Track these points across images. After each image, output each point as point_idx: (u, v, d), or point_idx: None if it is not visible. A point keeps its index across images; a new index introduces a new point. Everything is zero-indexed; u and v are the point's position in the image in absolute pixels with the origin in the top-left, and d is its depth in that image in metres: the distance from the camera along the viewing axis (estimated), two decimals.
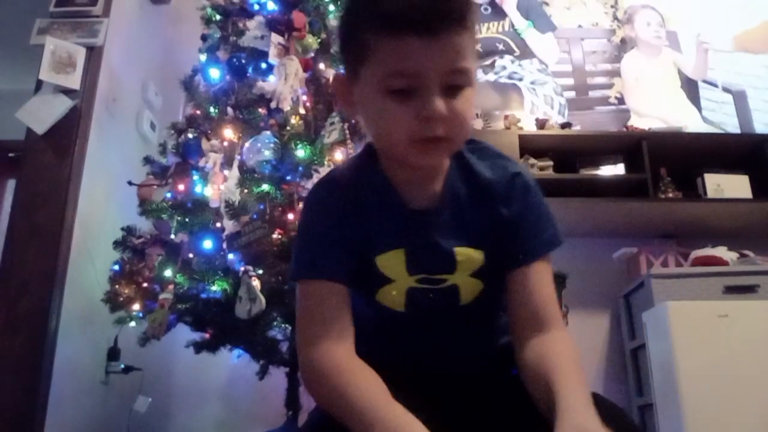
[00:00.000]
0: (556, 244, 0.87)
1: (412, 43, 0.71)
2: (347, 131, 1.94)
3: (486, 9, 3.47)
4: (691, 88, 3.35)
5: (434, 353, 0.86)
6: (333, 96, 0.90)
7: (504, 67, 3.41)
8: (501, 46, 3.46)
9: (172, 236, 1.97)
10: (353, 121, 1.97)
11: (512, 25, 3.53)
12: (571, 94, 3.34)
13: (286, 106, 1.98)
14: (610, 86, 3.37)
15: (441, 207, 0.84)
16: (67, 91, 2.17)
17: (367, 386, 0.72)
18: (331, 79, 0.76)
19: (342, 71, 0.85)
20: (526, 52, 3.44)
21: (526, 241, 0.84)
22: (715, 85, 3.34)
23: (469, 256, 0.84)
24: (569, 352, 0.77)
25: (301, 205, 1.85)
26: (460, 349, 0.87)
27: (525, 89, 3.31)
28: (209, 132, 2.07)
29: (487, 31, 3.45)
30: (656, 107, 3.30)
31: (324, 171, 1.86)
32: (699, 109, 3.31)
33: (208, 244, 1.89)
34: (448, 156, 0.84)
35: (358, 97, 0.80)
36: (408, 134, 0.75)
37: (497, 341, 0.90)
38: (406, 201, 0.84)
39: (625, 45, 3.47)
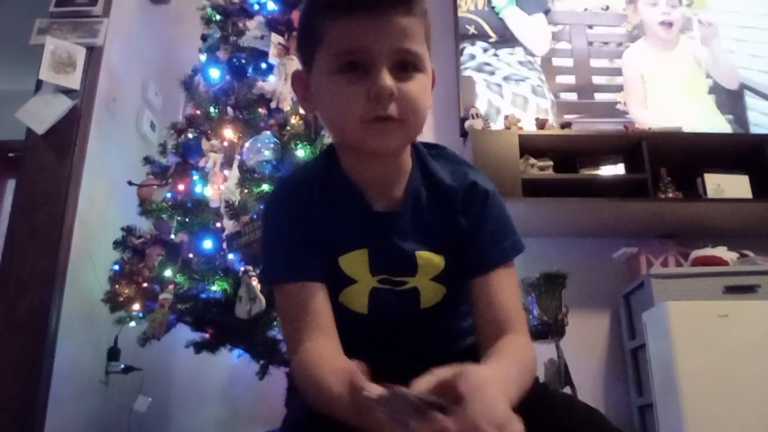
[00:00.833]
0: (517, 252, 0.87)
1: (360, 22, 0.75)
2: None
3: None
4: (728, 95, 2.94)
5: (397, 354, 0.85)
6: (294, 90, 0.91)
7: (473, 57, 2.92)
8: (472, 29, 2.95)
9: (172, 236, 1.97)
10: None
11: (489, 2, 3.01)
12: (572, 96, 2.94)
13: (286, 106, 1.98)
14: (620, 89, 2.99)
15: (403, 210, 0.85)
16: (67, 91, 2.17)
17: (338, 376, 0.70)
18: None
19: (298, 69, 0.87)
20: (506, 38, 2.96)
21: (485, 250, 0.85)
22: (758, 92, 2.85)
23: (429, 260, 0.85)
24: (519, 353, 0.78)
25: None
26: (422, 350, 0.87)
27: (485, 85, 2.87)
28: (209, 132, 2.07)
29: (459, 10, 2.98)
30: (666, 115, 2.89)
31: None
32: (744, 121, 2.92)
33: (208, 244, 1.90)
34: (402, 142, 0.83)
35: (314, 87, 0.82)
36: (360, 114, 0.76)
37: (461, 343, 0.90)
38: (368, 202, 0.85)
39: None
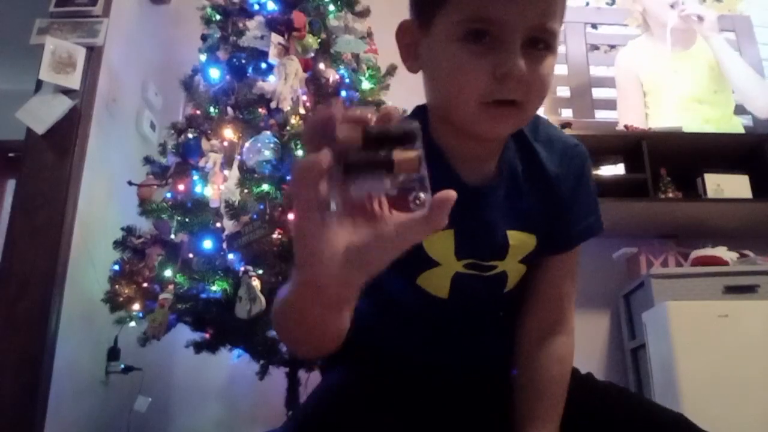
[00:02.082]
0: (600, 229, 0.82)
1: None
2: None
3: None
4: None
5: (466, 345, 0.82)
6: (397, 40, 0.78)
7: None
8: None
9: (172, 236, 1.97)
10: None
11: None
12: (567, 113, 2.66)
13: (286, 106, 1.98)
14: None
15: (496, 185, 0.77)
16: (67, 91, 2.16)
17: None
18: (397, 28, 0.68)
19: (408, 20, 0.76)
20: None
21: (574, 225, 0.80)
22: None
23: (522, 240, 0.79)
24: (562, 372, 0.77)
25: None
26: (497, 342, 0.83)
27: None
28: (209, 132, 2.07)
29: None
30: (672, 117, 2.66)
31: None
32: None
33: (208, 244, 1.89)
34: (515, 127, 0.74)
35: (426, 48, 0.72)
36: (480, 93, 0.67)
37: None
38: (458, 175, 0.76)
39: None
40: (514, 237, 0.78)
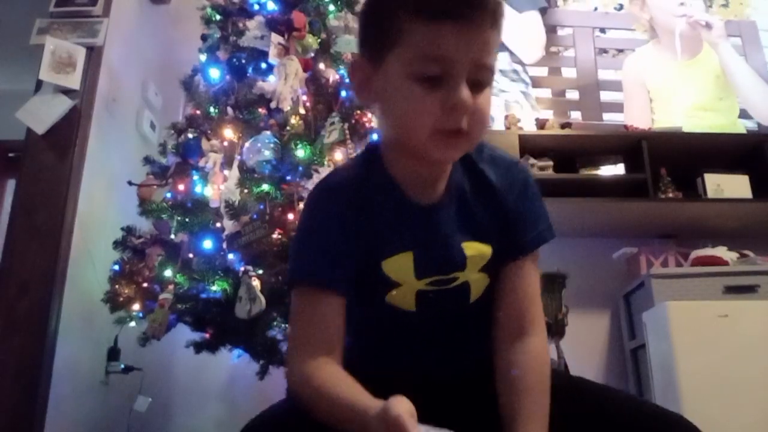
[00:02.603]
0: (552, 236, 0.89)
1: (448, 30, 0.72)
2: (347, 131, 1.94)
3: None
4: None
5: (441, 355, 0.86)
6: (350, 77, 0.86)
7: None
8: None
9: (172, 236, 1.97)
10: (353, 121, 1.97)
11: None
12: (576, 114, 2.73)
13: (286, 106, 1.98)
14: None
15: (447, 203, 0.84)
16: (67, 91, 2.16)
17: (343, 382, 0.74)
18: (349, 62, 0.78)
19: (360, 56, 0.83)
20: None
21: (524, 234, 0.86)
22: None
23: (478, 250, 0.84)
24: (541, 366, 0.81)
25: (301, 205, 1.86)
26: (467, 349, 0.87)
27: None
28: (209, 132, 2.07)
29: None
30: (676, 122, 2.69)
31: (324, 171, 1.86)
32: None
33: (208, 244, 1.89)
34: (464, 152, 0.82)
35: (380, 83, 0.79)
36: (432, 123, 0.74)
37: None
38: (410, 198, 0.83)
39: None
40: (470, 247, 0.84)
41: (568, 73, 2.85)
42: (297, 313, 0.82)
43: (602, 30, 2.83)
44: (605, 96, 2.84)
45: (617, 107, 2.84)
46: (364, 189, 0.83)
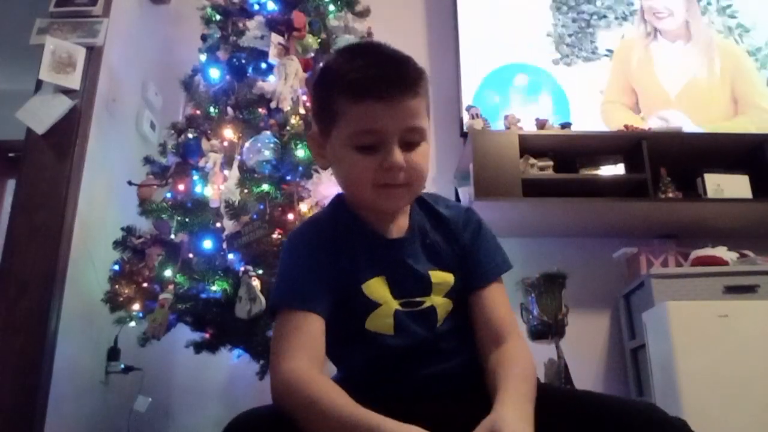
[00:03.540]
0: (508, 267, 1.00)
1: (375, 107, 0.85)
2: None
3: None
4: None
5: (420, 377, 0.91)
6: (309, 146, 1.11)
7: None
8: None
9: (172, 236, 1.97)
10: None
11: None
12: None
13: (286, 106, 1.98)
14: None
15: (411, 237, 0.96)
16: (67, 91, 2.16)
17: (338, 394, 0.78)
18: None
19: (314, 130, 0.97)
20: None
21: (483, 265, 0.98)
22: None
23: (442, 278, 0.95)
24: (520, 361, 0.88)
25: (300, 205, 1.86)
26: (443, 369, 0.92)
27: None
28: (209, 132, 2.07)
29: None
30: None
31: (324, 171, 1.86)
32: None
33: (208, 244, 1.89)
34: (408, 201, 0.96)
35: (330, 151, 0.93)
36: (372, 181, 0.88)
37: (473, 356, 0.96)
38: (380, 233, 0.95)
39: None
40: (435, 275, 0.95)
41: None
42: (281, 331, 0.87)
43: None
44: None
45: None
46: (336, 227, 0.95)
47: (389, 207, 0.94)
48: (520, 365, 0.87)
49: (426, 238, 0.97)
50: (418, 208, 1.00)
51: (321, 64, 0.98)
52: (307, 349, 0.84)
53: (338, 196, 1.01)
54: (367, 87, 0.86)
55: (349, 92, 0.87)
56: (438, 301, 0.94)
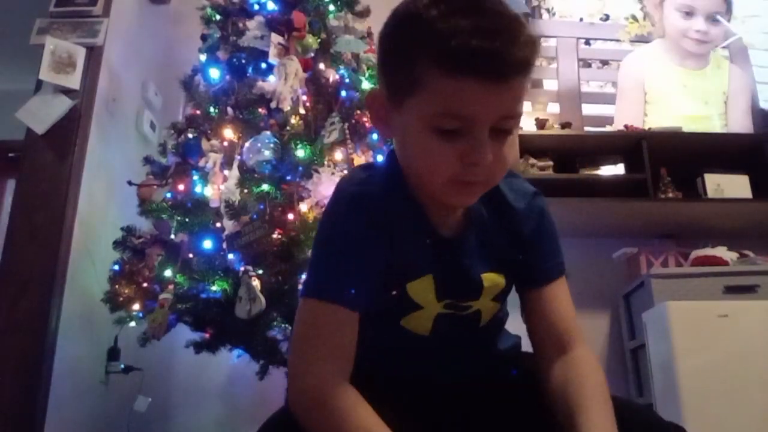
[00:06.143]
0: (564, 272, 0.88)
1: (473, 87, 0.67)
2: (347, 131, 1.94)
3: None
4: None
5: (448, 368, 0.84)
6: (367, 104, 0.83)
7: None
8: None
9: (172, 236, 1.97)
10: (353, 121, 1.97)
11: None
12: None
13: (286, 106, 1.98)
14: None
15: (468, 233, 0.83)
16: (67, 91, 2.16)
17: (365, 413, 0.69)
18: (367, 94, 0.74)
19: (380, 91, 0.79)
20: None
21: (546, 261, 0.86)
22: None
23: (494, 281, 0.84)
24: (594, 375, 0.78)
25: (300, 205, 1.86)
26: (472, 363, 0.86)
27: None
28: (209, 132, 2.07)
29: None
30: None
31: (324, 171, 1.86)
32: None
33: (208, 244, 1.89)
34: (481, 195, 0.79)
35: (398, 123, 0.76)
36: (449, 175, 0.72)
37: (499, 348, 0.91)
38: (435, 228, 0.81)
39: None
40: (488, 279, 0.83)
41: (550, 85, 2.89)
42: (309, 325, 0.75)
43: (587, 42, 2.84)
44: (588, 110, 2.88)
45: (600, 121, 2.88)
46: (390, 206, 0.79)
47: (459, 203, 0.79)
48: (597, 381, 0.77)
49: (483, 234, 0.83)
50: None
51: (402, 5, 0.74)
52: (337, 352, 0.73)
53: (395, 163, 0.82)
54: (470, 62, 0.65)
55: (445, 63, 0.67)
56: (486, 305, 0.85)
